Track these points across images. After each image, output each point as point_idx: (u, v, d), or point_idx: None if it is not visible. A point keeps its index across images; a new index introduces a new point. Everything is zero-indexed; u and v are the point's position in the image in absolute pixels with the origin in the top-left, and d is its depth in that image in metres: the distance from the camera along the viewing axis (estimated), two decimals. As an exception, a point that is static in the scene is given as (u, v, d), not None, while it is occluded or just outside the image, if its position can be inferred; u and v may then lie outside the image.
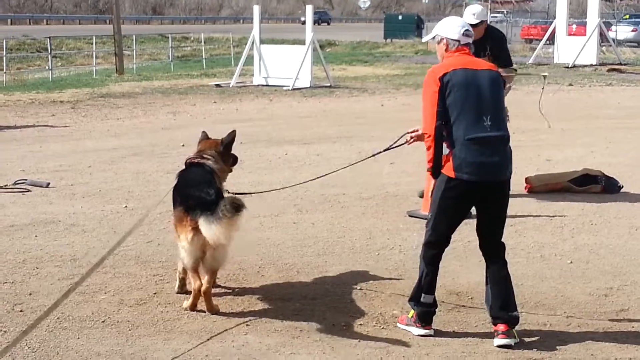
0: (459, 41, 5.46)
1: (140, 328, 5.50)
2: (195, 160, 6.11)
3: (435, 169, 5.37)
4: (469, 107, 5.24)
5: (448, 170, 5.26)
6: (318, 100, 20.56)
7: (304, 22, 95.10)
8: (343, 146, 13.12)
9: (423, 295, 5.39)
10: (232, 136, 6.34)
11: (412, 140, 6.00)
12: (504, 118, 5.40)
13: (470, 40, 5.52)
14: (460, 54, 5.45)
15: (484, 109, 5.26)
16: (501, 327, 5.29)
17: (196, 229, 5.49)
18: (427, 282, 5.41)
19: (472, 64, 5.43)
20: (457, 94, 5.25)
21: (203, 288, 5.69)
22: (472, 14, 8.63)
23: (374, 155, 7.26)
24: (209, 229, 5.37)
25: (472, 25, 8.32)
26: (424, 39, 7.43)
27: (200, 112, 17.98)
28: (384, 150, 6.76)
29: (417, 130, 5.79)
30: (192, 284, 5.73)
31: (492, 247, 5.44)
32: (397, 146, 6.57)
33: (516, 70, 9.22)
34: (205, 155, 6.15)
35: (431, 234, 5.40)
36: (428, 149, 5.37)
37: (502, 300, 5.31)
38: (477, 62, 5.51)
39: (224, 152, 6.28)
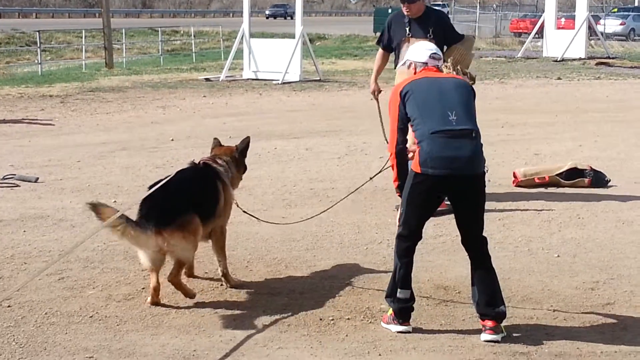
0: (426, 63, 5.60)
1: (128, 323, 5.51)
2: (205, 162, 6.19)
3: (402, 187, 5.45)
4: (432, 104, 5.29)
5: (415, 165, 5.27)
6: (307, 94, 20.56)
7: (267, 17, 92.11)
8: (332, 140, 13.14)
9: (399, 290, 5.37)
10: (246, 142, 6.42)
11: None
12: (473, 115, 5.37)
13: (437, 63, 5.65)
14: (426, 71, 5.56)
15: (449, 106, 5.28)
16: (489, 323, 5.30)
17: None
18: (401, 276, 5.39)
19: (435, 74, 5.55)
20: (418, 96, 5.32)
21: (168, 278, 5.76)
22: None
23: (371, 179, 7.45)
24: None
25: (410, 1, 8.34)
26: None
27: (190, 106, 17.96)
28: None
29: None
30: (150, 281, 5.78)
31: (471, 242, 5.44)
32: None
33: (474, 37, 9.24)
34: (217, 160, 6.21)
35: (403, 228, 5.41)
36: (392, 167, 5.45)
37: (488, 297, 5.31)
38: (442, 74, 5.65)
39: (239, 158, 6.36)
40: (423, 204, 5.36)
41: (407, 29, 8.48)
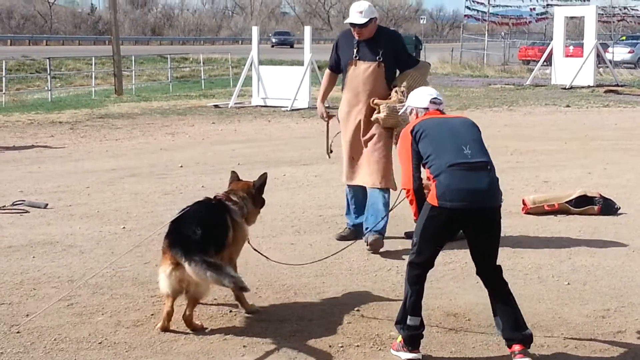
0: (427, 108, 5.65)
1: (137, 349, 5.49)
2: (217, 198, 6.17)
3: None
4: (445, 140, 5.34)
5: (431, 198, 5.26)
6: (316, 121, 20.52)
7: (273, 45, 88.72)
8: (341, 167, 13.09)
9: (409, 317, 5.35)
10: (263, 179, 6.42)
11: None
12: (486, 150, 5.41)
13: (439, 107, 5.69)
14: (429, 114, 5.62)
15: (462, 141, 5.33)
16: (517, 348, 5.24)
17: (176, 265, 5.53)
18: (412, 303, 5.36)
19: (441, 115, 5.64)
20: (430, 133, 5.38)
21: (183, 317, 5.76)
22: (359, 12, 7.86)
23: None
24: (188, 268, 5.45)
25: (360, 26, 7.96)
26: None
27: (198, 133, 18.02)
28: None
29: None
30: (165, 306, 5.77)
31: (487, 272, 5.43)
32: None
33: (429, 64, 8.85)
34: (232, 196, 6.20)
35: (415, 256, 5.40)
36: (411, 203, 5.49)
37: (512, 321, 5.27)
38: (447, 115, 5.71)
39: (255, 194, 6.36)
40: (438, 236, 5.35)
41: (355, 50, 8.08)
